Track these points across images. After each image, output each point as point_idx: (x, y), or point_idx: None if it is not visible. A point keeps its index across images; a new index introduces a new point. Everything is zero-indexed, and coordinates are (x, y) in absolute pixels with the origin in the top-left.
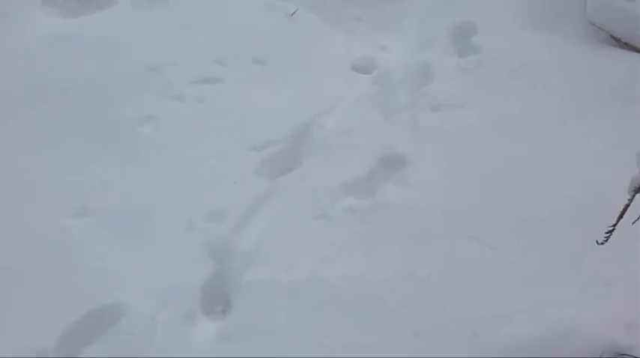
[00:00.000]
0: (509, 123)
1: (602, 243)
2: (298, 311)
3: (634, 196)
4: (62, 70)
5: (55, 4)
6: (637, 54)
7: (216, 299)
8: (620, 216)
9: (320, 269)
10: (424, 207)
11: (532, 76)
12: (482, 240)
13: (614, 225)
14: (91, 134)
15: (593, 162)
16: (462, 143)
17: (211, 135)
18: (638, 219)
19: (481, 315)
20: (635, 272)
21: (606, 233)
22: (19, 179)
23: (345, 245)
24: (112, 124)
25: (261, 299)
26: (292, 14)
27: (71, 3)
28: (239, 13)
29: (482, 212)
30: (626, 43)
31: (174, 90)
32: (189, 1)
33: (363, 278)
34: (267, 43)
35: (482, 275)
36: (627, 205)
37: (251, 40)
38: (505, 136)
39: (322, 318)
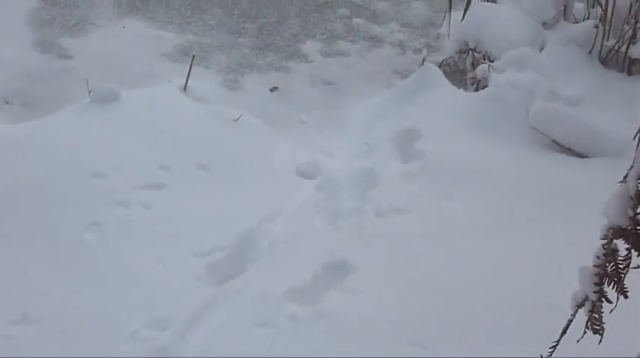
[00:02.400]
0: (454, 229)
1: None
2: None
3: (576, 312)
4: (4, 176)
5: None
6: (579, 158)
7: None
8: (563, 332)
9: None
10: (369, 314)
11: (476, 182)
12: (429, 346)
13: (558, 341)
14: (34, 241)
15: (539, 269)
16: (407, 249)
17: (156, 242)
18: (582, 337)
19: None
20: None
21: (550, 348)
22: None
23: (289, 352)
24: (56, 231)
25: None
26: (237, 119)
27: (16, 108)
28: (184, 118)
29: (429, 318)
30: (568, 148)
31: (119, 196)
32: (134, 107)
33: None
34: (212, 149)
35: None
36: (570, 320)
37: (195, 146)
38: (450, 242)
39: None
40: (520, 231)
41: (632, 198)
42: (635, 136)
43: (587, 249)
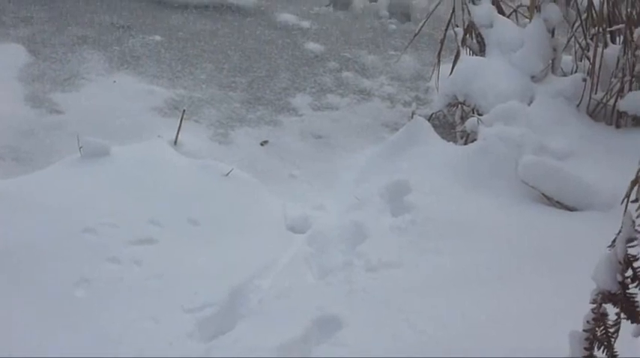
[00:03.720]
0: (443, 284)
1: None
2: None
3: None
4: None
5: None
6: (568, 212)
7: None
8: None
9: None
10: None
11: (465, 236)
12: None
13: None
14: (24, 297)
15: (528, 323)
16: (397, 303)
17: (146, 297)
18: None
19: None
20: None
21: None
22: None
23: None
24: (46, 287)
25: None
26: (227, 174)
27: (7, 163)
28: (174, 173)
29: None
30: (557, 202)
31: (110, 252)
32: (124, 162)
33: None
34: (202, 204)
35: None
36: None
37: (186, 201)
38: (440, 296)
39: None
40: (510, 285)
41: (620, 262)
42: (623, 201)
43: (577, 304)
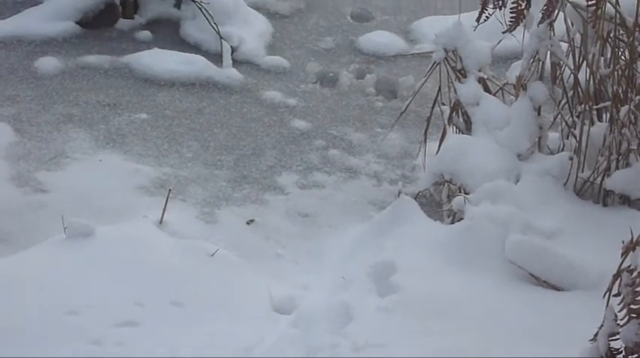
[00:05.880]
0: None
1: None
2: None
3: None
4: None
5: None
6: (555, 292)
7: None
8: None
9: None
10: None
11: (452, 316)
12: None
13: None
14: None
15: None
16: None
17: None
18: None
19: None
20: None
21: None
22: None
23: None
24: None
25: None
26: (212, 254)
27: None
28: (159, 254)
29: None
30: (545, 281)
31: (93, 334)
32: (109, 242)
33: None
34: (186, 285)
35: None
36: None
37: (170, 282)
38: None
39: None
40: None
41: (602, 357)
42: (605, 294)
43: None
